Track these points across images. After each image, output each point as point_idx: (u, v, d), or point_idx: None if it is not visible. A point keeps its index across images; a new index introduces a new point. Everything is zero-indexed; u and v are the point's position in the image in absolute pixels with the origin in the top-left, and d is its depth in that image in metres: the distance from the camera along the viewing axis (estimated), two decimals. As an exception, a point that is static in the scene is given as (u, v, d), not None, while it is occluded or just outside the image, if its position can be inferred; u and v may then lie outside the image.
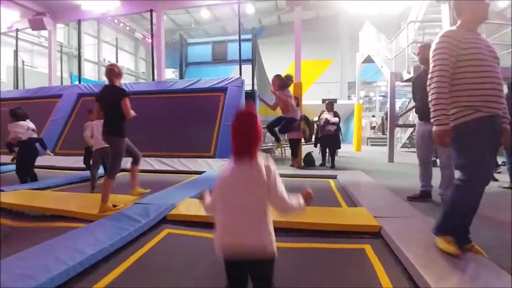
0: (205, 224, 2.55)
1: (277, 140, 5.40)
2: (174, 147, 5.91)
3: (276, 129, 5.21)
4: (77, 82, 9.32)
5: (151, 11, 8.21)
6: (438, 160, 3.53)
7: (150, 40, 8.74)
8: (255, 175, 1.21)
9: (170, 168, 5.57)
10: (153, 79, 8.22)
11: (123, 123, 3.02)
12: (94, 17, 9.74)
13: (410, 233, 2.23)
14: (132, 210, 2.74)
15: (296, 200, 1.26)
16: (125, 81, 15.99)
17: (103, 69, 18.28)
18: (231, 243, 1.18)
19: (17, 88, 9.95)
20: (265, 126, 7.87)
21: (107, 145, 3.24)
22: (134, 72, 21.42)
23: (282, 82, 5.08)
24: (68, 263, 1.69)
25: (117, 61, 11.97)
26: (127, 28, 18.22)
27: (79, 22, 9.20)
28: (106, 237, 2.09)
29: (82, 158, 6.16)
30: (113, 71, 3.08)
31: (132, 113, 3.03)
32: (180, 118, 5.89)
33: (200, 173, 5.11)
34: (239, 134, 1.26)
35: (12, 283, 1.46)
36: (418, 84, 3.48)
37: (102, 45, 18.39)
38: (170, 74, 13.25)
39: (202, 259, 1.98)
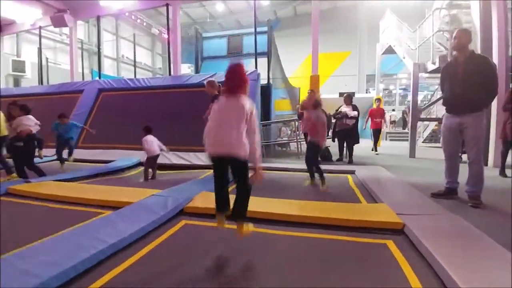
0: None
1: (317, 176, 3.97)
2: (190, 141, 5.95)
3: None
4: (97, 78, 9.57)
5: (167, 5, 8.26)
6: (463, 156, 3.35)
7: (166, 35, 8.80)
8: (240, 106, 1.84)
9: (186, 162, 5.63)
10: (170, 74, 8.30)
11: None
12: (112, 13, 9.92)
13: (436, 231, 2.13)
14: (151, 201, 2.79)
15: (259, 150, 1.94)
16: (142, 76, 16.34)
17: (122, 65, 18.74)
18: (220, 148, 1.86)
19: (41, 84, 10.36)
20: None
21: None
22: (151, 67, 21.77)
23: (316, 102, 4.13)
24: (90, 251, 1.75)
25: (134, 57, 12.16)
26: (144, 24, 18.45)
27: (98, 18, 9.42)
28: (126, 228, 2.15)
29: (102, 151, 6.42)
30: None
31: None
32: (196, 112, 5.90)
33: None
34: (229, 78, 1.91)
35: (38, 269, 1.52)
36: (448, 73, 3.28)
37: (120, 42, 18.77)
38: (185, 69, 13.36)
39: (218, 246, 2.05)
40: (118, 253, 1.90)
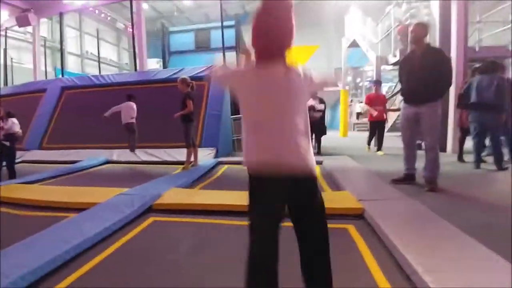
0: (191, 211, 2.62)
1: None
2: (159, 137, 5.85)
3: None
4: (60, 76, 9.07)
5: (130, -1, 7.94)
6: (423, 143, 3.56)
7: (131, 30, 8.52)
8: (293, 89, 0.98)
9: (156, 159, 5.53)
10: (135, 70, 8.04)
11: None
12: (75, 9, 9.47)
13: (393, 215, 2.26)
14: (117, 201, 2.73)
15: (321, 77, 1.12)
16: (108, 72, 15.63)
17: (87, 62, 17.78)
18: (269, 161, 0.96)
19: (6, 85, 9.71)
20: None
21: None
22: (117, 63, 20.83)
23: None
24: (55, 252, 1.76)
25: (98, 53, 11.62)
26: (109, 18, 17.61)
27: (60, 15, 8.95)
28: (91, 228, 2.12)
29: (68, 152, 6.12)
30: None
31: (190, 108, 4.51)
32: (165, 108, 5.79)
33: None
34: (267, 29, 0.94)
35: (7, 271, 1.55)
36: (406, 65, 3.44)
37: (85, 37, 17.75)
38: (154, 64, 12.98)
39: (186, 240, 2.05)
40: (84, 253, 1.89)
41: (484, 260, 1.54)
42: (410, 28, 3.45)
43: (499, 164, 4.20)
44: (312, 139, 6.65)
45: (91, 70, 17.19)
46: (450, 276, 1.38)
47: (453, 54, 5.86)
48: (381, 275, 1.57)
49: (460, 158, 4.96)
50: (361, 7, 9.92)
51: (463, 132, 5.05)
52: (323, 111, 6.54)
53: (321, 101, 6.52)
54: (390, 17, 7.35)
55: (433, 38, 6.23)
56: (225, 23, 7.58)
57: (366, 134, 9.99)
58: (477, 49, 6.63)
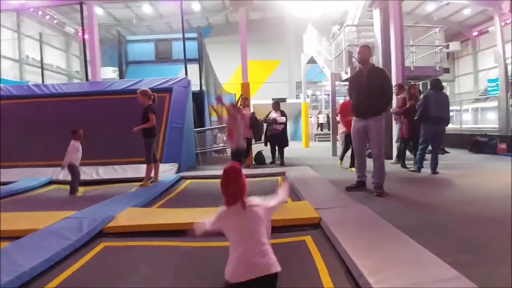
0: (146, 233, 2.46)
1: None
2: (116, 153, 5.47)
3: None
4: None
5: (80, 3, 7.44)
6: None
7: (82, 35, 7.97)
8: (254, 217, 1.43)
9: (112, 176, 5.12)
10: (87, 79, 7.48)
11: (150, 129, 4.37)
12: (10, 8, 8.48)
13: (345, 221, 2.41)
14: (62, 226, 2.46)
15: (276, 199, 1.55)
16: (55, 81, 14.36)
17: (27, 68, 16.11)
18: (250, 268, 1.34)
19: None
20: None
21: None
22: (66, 71, 19.22)
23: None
24: None
25: (41, 58, 10.60)
26: (55, 21, 16.28)
27: (-9, 14, 7.97)
28: (27, 260, 1.84)
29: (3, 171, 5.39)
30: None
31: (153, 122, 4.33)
32: (122, 122, 5.44)
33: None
34: (227, 187, 1.46)
35: None
36: (354, 83, 3.77)
37: (24, 40, 16.10)
38: (110, 73, 12.23)
39: (141, 267, 1.91)
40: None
41: (417, 256, 1.74)
42: (357, 50, 3.79)
43: (435, 169, 4.76)
44: (275, 150, 6.82)
45: (33, 77, 15.60)
46: (390, 275, 1.52)
47: (393, 72, 6.56)
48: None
49: (403, 165, 5.51)
50: (317, 26, 10.62)
51: (404, 142, 5.66)
52: (285, 124, 6.76)
53: (283, 113, 6.74)
54: (341, 39, 7.97)
55: (377, 59, 6.92)
56: (187, 35, 7.50)
57: (327, 144, 10.23)
58: (412, 68, 7.53)
